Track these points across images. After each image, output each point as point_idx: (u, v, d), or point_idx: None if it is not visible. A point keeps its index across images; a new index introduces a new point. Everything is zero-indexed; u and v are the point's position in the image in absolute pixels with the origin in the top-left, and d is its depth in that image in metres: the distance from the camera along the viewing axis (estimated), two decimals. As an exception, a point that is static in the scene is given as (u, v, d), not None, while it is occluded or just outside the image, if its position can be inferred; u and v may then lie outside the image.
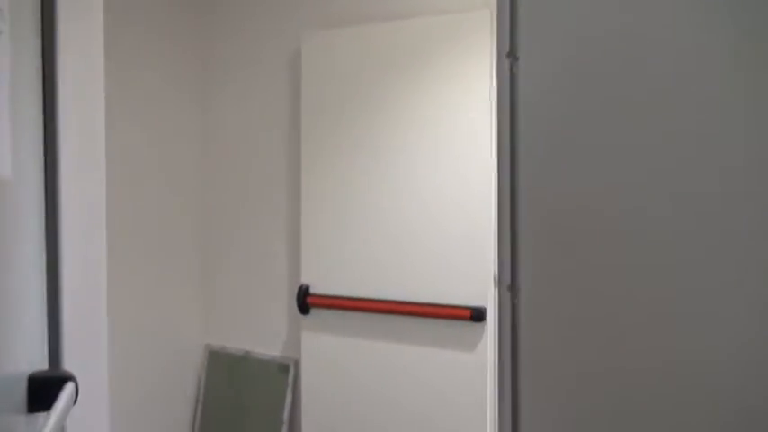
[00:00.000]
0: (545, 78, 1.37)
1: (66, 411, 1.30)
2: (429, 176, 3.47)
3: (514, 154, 1.36)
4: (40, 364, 1.50)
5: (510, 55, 1.39)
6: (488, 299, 3.35)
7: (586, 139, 1.31)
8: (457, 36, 3.40)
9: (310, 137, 3.78)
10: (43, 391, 1.33)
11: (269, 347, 4.08)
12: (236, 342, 4.20)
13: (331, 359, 3.73)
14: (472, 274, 3.37)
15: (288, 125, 3.99)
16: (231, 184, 4.23)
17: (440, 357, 3.45)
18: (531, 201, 1.36)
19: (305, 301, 3.74)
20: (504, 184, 1.41)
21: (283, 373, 4.01)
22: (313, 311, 3.76)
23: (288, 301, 3.97)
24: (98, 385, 1.82)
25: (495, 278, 3.38)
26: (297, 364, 3.96)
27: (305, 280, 3.77)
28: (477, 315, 3.33)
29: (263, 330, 4.12)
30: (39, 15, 1.54)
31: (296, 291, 3.77)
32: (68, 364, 1.62)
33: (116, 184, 3.83)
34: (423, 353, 3.49)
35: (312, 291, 3.75)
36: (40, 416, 1.33)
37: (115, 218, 3.84)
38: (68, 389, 1.34)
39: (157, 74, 4.05)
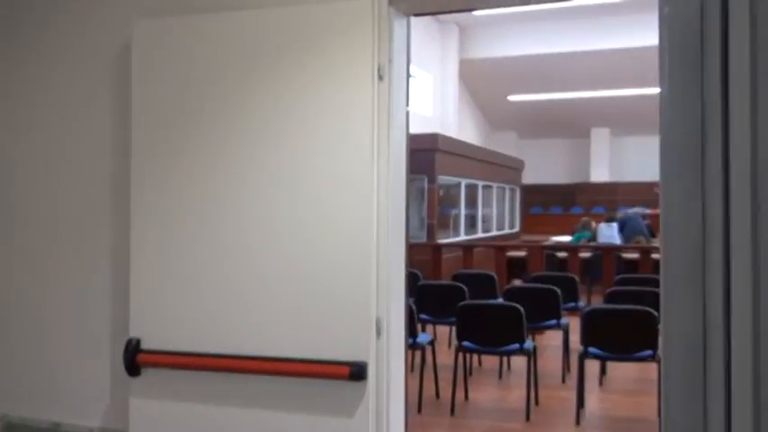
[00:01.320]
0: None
1: None
2: (296, 204, 2.82)
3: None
4: None
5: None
6: (369, 352, 2.72)
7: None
8: (331, 29, 2.80)
9: (143, 154, 3.05)
10: None
11: (86, 417, 3.33)
12: (42, 411, 3.39)
13: (169, 431, 2.91)
14: (350, 322, 2.75)
15: (112, 139, 3.25)
16: (39, 211, 3.37)
17: (311, 425, 2.80)
18: None
19: (134, 359, 3.01)
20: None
21: (105, 449, 3.15)
22: (145, 372, 3.02)
23: (112, 359, 3.28)
24: None
25: (377, 327, 2.75)
26: (123, 437, 3.12)
27: (135, 333, 3.02)
28: (357, 372, 2.71)
29: (77, 396, 3.35)
30: None
31: (123, 346, 3.01)
32: None
33: None
34: (290, 420, 2.82)
35: (144, 346, 3.01)
36: None
37: None
38: None
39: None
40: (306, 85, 2.82)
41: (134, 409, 3.00)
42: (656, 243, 11.75)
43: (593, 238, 11.56)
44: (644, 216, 12.94)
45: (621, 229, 11.61)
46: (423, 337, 5.66)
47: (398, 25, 2.93)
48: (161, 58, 3.01)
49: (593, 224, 12.10)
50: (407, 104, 3.04)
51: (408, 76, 3.05)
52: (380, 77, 2.79)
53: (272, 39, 2.87)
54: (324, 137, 2.79)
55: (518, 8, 14.29)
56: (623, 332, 4.95)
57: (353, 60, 2.77)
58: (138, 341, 2.98)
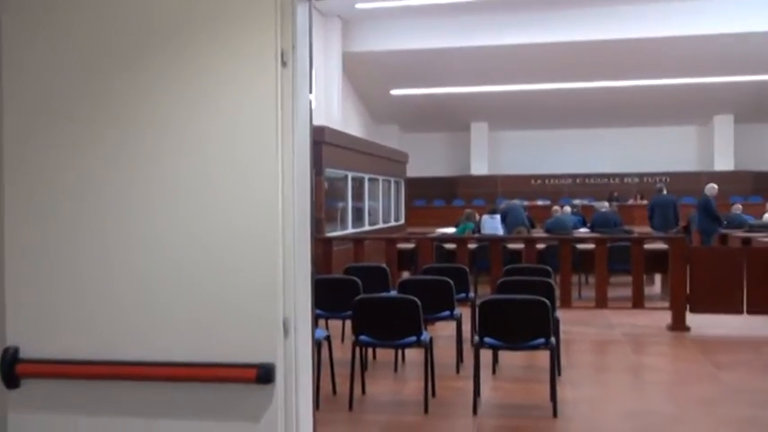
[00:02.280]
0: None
1: None
2: (195, 198, 2.64)
3: None
4: None
5: None
6: (277, 353, 2.58)
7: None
8: (230, 11, 2.64)
9: (17, 141, 2.78)
10: None
11: (-45, 437, 2.88)
12: None
13: (54, 448, 2.68)
14: (256, 322, 2.61)
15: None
16: None
17: (214, 434, 2.59)
18: None
19: (13, 369, 2.70)
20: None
21: (-21, 471, 2.83)
22: (26, 384, 2.73)
23: (-15, 370, 2.82)
24: None
25: (284, 326, 2.61)
26: (0, 456, 2.82)
27: (12, 341, 2.73)
28: (264, 375, 2.57)
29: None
30: None
31: (-2, 356, 2.67)
32: None
33: None
34: (192, 430, 2.60)
35: (24, 355, 2.72)
36: None
37: None
38: None
39: None
40: (203, 70, 2.62)
41: (13, 425, 2.70)
42: (536, 233, 12.13)
43: (477, 229, 11.78)
44: (524, 207, 13.34)
45: (504, 220, 11.90)
46: (318, 333, 5.53)
47: (301, 10, 2.78)
48: (38, 39, 2.71)
49: (477, 216, 12.34)
50: (311, 92, 2.91)
51: (311, 63, 2.92)
52: (284, 63, 2.64)
53: (165, 18, 2.64)
54: (225, 126, 2.60)
55: (401, 2, 14.37)
56: (518, 321, 5.02)
57: (255, 45, 2.60)
58: (17, 350, 2.67)
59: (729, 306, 7.75)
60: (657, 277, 10.96)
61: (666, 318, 8.04)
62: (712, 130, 21.03)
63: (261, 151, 2.60)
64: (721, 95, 19.02)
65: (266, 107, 2.60)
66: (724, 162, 20.77)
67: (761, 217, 14.19)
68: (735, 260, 7.93)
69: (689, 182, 19.75)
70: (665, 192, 13.62)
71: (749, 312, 7.72)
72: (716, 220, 12.26)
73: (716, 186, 12.76)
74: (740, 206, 14.37)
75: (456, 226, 12.49)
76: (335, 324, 7.18)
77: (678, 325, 7.88)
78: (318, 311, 6.26)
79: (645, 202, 19.11)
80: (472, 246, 9.83)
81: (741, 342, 7.39)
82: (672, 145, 21.23)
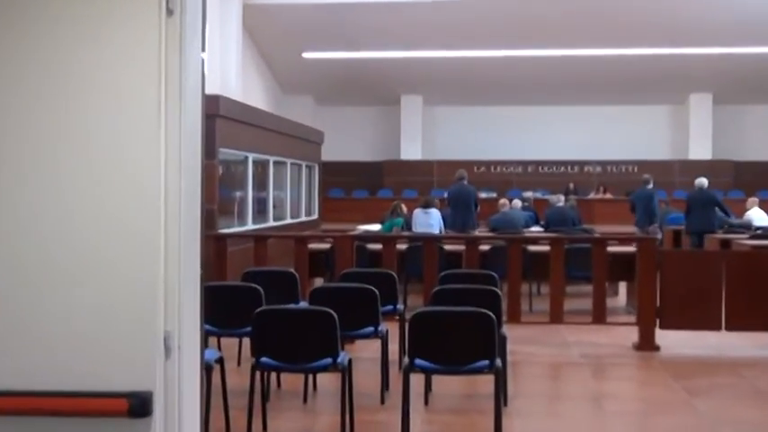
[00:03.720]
0: None
1: None
2: (47, 180, 2.62)
3: None
4: None
5: None
6: (156, 378, 2.57)
7: None
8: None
9: None
10: None
11: None
12: None
13: None
14: (129, 340, 2.61)
15: None
16: None
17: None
18: None
19: None
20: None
21: None
22: None
23: None
24: None
25: (165, 345, 2.58)
26: None
27: None
28: (139, 406, 2.59)
29: None
30: None
31: None
32: None
33: None
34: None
35: None
36: None
37: None
38: None
39: None
40: (63, 17, 2.57)
41: None
42: (479, 231, 12.26)
43: (408, 226, 11.83)
44: (476, 202, 13.10)
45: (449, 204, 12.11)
46: (208, 354, 5.45)
47: (192, -56, 2.74)
48: None
49: (404, 208, 12.35)
50: (203, 49, 2.87)
51: (204, 12, 2.88)
52: (169, 11, 2.61)
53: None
54: (92, 91, 2.57)
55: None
56: (456, 340, 5.07)
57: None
58: None
59: (706, 321, 8.03)
60: (622, 286, 11.26)
61: (633, 335, 8.28)
62: (687, 111, 21.71)
63: (139, 124, 2.57)
64: (699, 70, 19.65)
65: (147, 67, 2.57)
66: (700, 150, 21.44)
67: (742, 215, 14.69)
68: (712, 266, 8.22)
69: (659, 172, 20.25)
70: (649, 186, 14.18)
71: (728, 329, 8.02)
72: (726, 214, 13.24)
73: (706, 181, 13.40)
74: (719, 203, 14.94)
75: (382, 222, 12.55)
76: (230, 343, 7.13)
77: (646, 344, 8.12)
78: (209, 327, 6.18)
79: (608, 195, 19.66)
80: (402, 246, 9.90)
81: (719, 364, 7.69)
82: (641, 128, 21.81)
